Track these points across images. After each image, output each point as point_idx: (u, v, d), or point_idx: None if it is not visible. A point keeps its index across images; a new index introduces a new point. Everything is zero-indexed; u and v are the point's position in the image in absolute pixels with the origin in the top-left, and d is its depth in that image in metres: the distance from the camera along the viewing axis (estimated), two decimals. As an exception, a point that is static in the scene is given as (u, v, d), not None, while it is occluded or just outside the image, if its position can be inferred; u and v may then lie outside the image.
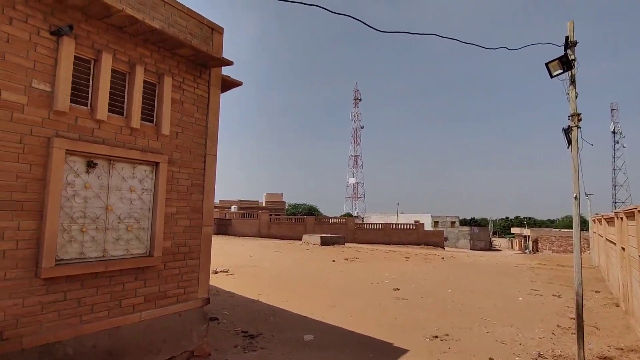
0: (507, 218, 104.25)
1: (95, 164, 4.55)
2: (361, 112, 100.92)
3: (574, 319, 7.41)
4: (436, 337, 7.63)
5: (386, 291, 12.48)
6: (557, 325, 8.76)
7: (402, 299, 11.25)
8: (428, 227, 49.59)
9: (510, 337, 7.75)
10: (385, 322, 8.61)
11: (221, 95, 6.44)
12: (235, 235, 38.36)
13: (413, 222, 44.81)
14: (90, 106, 4.50)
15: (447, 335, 7.77)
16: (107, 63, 4.58)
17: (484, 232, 60.80)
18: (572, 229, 6.31)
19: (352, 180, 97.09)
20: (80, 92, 4.42)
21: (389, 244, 38.19)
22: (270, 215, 41.73)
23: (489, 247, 59.15)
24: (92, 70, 4.55)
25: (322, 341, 7.12)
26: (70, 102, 4.26)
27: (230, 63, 6.05)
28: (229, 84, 6.82)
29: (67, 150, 4.18)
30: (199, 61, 5.78)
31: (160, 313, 5.17)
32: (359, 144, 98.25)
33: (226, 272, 14.72)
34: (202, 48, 5.48)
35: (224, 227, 39.88)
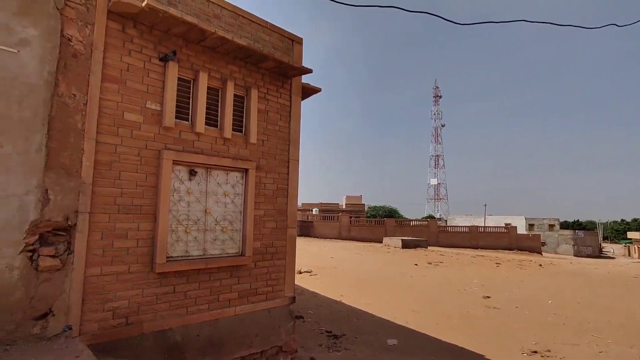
0: (622, 221, 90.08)
1: (196, 172, 5.10)
2: (442, 109, 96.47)
3: None
4: (535, 352, 6.94)
5: (475, 298, 11.70)
6: (695, 350, 7.33)
7: (493, 308, 10.45)
8: (521, 230, 45.13)
9: None
10: (475, 332, 8.09)
11: (301, 101, 6.72)
12: (316, 237, 39.39)
13: (503, 225, 41.23)
14: (191, 121, 5.06)
15: (549, 351, 7.01)
16: (203, 81, 5.12)
17: (591, 236, 53.24)
18: None
19: (434, 181, 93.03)
20: (183, 109, 5.00)
21: (476, 248, 35.67)
22: (350, 217, 41.97)
23: (599, 254, 51.66)
24: (191, 88, 5.12)
25: (406, 346, 6.96)
26: (175, 118, 4.85)
27: (309, 71, 6.28)
28: (308, 91, 7.08)
29: (173, 160, 4.77)
30: (281, 72, 6.11)
31: (252, 309, 5.57)
32: (440, 143, 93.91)
33: (309, 272, 15.22)
34: (283, 59, 5.79)
35: (306, 229, 41.22)
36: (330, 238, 39.00)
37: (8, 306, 3.40)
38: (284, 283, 6.05)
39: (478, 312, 9.93)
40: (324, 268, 16.76)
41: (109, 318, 4.14)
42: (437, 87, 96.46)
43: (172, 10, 4.41)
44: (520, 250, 35.98)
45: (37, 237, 3.60)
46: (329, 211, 49.48)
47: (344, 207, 56.06)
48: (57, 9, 3.85)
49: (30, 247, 3.55)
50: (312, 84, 6.97)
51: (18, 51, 3.58)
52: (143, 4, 4.19)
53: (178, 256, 4.84)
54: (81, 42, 4.01)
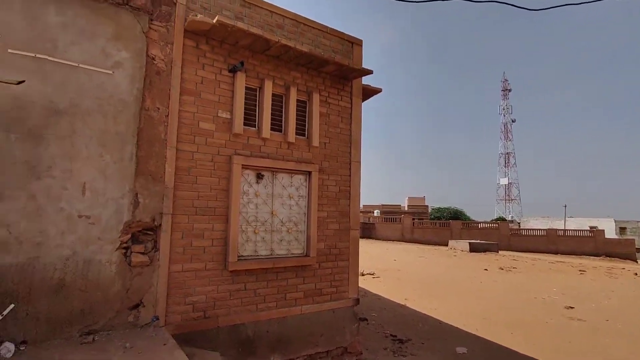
0: None
1: (263, 176, 5.36)
2: (511, 104, 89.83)
3: None
4: (631, 371, 6.17)
5: (555, 308, 10.71)
6: None
7: (577, 320, 9.48)
8: (610, 234, 40.30)
9: None
10: (557, 345, 7.41)
11: (362, 103, 6.72)
12: (378, 239, 38.93)
13: (588, 228, 37.15)
14: (257, 127, 5.33)
15: (649, 371, 6.19)
16: (268, 89, 5.37)
17: (701, 242, 45.70)
18: None
19: (504, 181, 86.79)
20: (250, 116, 5.30)
21: (555, 253, 32.57)
22: (413, 219, 40.82)
23: None
24: (257, 96, 5.40)
25: (477, 356, 6.60)
26: (243, 125, 5.15)
27: (370, 72, 6.27)
28: (369, 92, 7.06)
29: (242, 165, 5.07)
30: (341, 75, 6.18)
31: (317, 309, 5.69)
32: (510, 140, 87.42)
33: (372, 274, 15.10)
34: (344, 62, 5.85)
35: (368, 231, 40.95)
36: (392, 240, 38.27)
37: (109, 296, 3.88)
38: (347, 284, 6.09)
39: (559, 323, 9.08)
40: (386, 270, 16.51)
41: (190, 311, 4.51)
42: (506, 80, 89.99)
43: (240, 24, 4.70)
44: (609, 256, 32.09)
45: (129, 235, 4.05)
46: (390, 212, 48.60)
47: (406, 208, 54.67)
48: (143, 32, 4.31)
49: (125, 245, 4.01)
50: (372, 85, 6.94)
51: (113, 72, 4.07)
52: (214, 21, 4.53)
53: (248, 255, 5.13)
54: (163, 60, 4.44)
